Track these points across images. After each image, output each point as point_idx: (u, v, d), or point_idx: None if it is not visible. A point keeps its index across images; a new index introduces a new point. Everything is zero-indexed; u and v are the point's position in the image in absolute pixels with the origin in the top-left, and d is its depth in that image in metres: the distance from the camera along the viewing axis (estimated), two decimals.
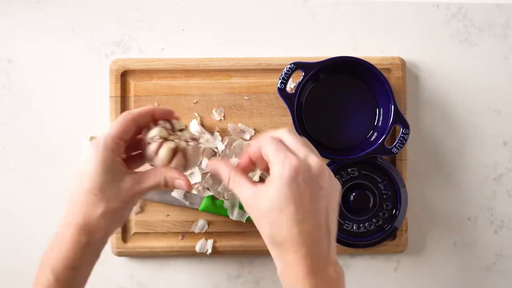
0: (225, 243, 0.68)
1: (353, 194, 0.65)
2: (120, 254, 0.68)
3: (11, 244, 0.69)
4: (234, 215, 0.66)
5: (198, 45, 0.70)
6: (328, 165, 0.67)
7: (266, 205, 0.48)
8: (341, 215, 0.66)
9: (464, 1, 0.71)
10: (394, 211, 0.67)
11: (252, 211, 0.50)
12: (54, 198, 0.69)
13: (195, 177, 0.67)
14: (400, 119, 0.64)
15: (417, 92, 0.70)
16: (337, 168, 0.66)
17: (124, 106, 0.68)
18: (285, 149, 0.49)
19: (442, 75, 0.70)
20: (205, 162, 0.67)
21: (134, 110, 0.54)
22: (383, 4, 0.71)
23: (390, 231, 0.66)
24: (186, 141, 0.54)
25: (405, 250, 0.69)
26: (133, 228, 0.68)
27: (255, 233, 0.68)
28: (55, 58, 0.70)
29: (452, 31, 0.71)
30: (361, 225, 0.66)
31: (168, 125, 0.55)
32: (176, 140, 0.54)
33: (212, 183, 0.67)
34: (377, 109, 0.67)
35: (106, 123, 0.69)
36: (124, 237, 0.67)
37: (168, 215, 0.68)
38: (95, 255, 0.53)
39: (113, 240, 0.67)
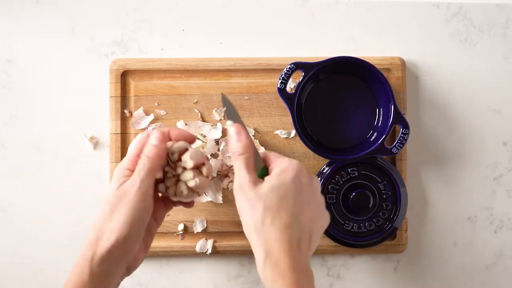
0: (225, 243, 0.68)
1: (353, 194, 0.65)
2: None
3: (11, 244, 0.69)
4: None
5: (198, 45, 0.70)
6: (328, 165, 0.67)
7: (264, 192, 0.50)
8: (341, 215, 0.66)
9: (464, 1, 0.71)
10: (394, 211, 0.67)
11: (244, 195, 0.51)
12: (54, 198, 0.69)
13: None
14: (400, 119, 0.64)
15: (417, 92, 0.70)
16: (337, 168, 0.66)
17: (124, 106, 0.68)
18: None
19: (442, 75, 0.70)
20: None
21: (159, 145, 0.54)
22: (383, 4, 0.71)
23: (390, 231, 0.66)
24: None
25: (405, 250, 0.69)
26: None
27: None
28: (55, 58, 0.70)
29: (452, 31, 0.71)
30: (361, 225, 0.66)
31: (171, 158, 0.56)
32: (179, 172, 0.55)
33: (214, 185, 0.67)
34: (377, 109, 0.67)
35: (106, 123, 0.69)
36: None
37: (168, 215, 0.68)
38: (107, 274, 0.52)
39: None
